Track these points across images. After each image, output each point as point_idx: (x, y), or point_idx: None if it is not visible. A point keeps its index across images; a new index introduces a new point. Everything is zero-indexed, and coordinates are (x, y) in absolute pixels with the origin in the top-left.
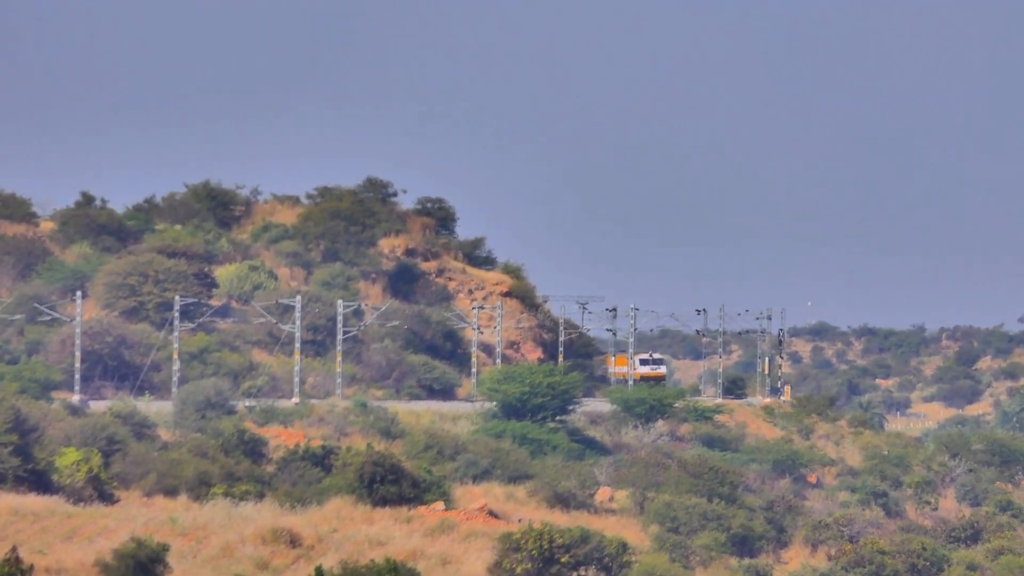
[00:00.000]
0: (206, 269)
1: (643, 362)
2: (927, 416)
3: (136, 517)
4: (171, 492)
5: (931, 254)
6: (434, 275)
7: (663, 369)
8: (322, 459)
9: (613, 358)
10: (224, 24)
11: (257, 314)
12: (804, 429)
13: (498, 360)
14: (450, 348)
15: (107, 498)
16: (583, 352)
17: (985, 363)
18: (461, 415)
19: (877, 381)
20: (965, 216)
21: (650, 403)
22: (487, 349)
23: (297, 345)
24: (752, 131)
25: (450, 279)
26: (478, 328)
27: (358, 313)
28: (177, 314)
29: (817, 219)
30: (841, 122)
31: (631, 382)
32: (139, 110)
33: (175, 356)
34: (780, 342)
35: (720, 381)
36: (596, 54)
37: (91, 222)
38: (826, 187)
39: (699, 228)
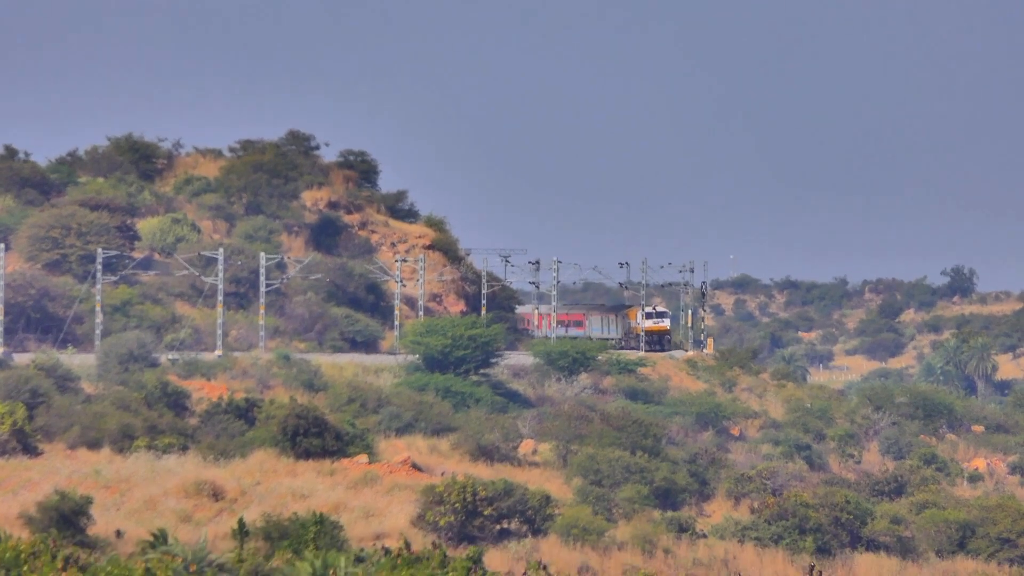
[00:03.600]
0: (129, 222)
1: (647, 315)
2: (850, 369)
3: (60, 470)
4: (95, 445)
5: (854, 206)
6: (357, 228)
7: (667, 322)
8: (245, 412)
9: (535, 313)
10: None
11: (180, 267)
12: (727, 382)
13: (421, 313)
14: (373, 301)
15: (31, 451)
16: (506, 305)
17: (908, 316)
18: (384, 368)
19: (800, 334)
20: (888, 167)
21: (573, 356)
22: (410, 302)
23: (220, 298)
24: (675, 81)
25: (373, 232)
26: (401, 281)
27: (281, 266)
28: (100, 267)
29: (739, 171)
30: (758, 71)
31: (553, 335)
32: (63, 63)
33: (98, 309)
34: (703, 295)
35: (642, 334)
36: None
37: (14, 175)
38: (747, 138)
39: (622, 182)
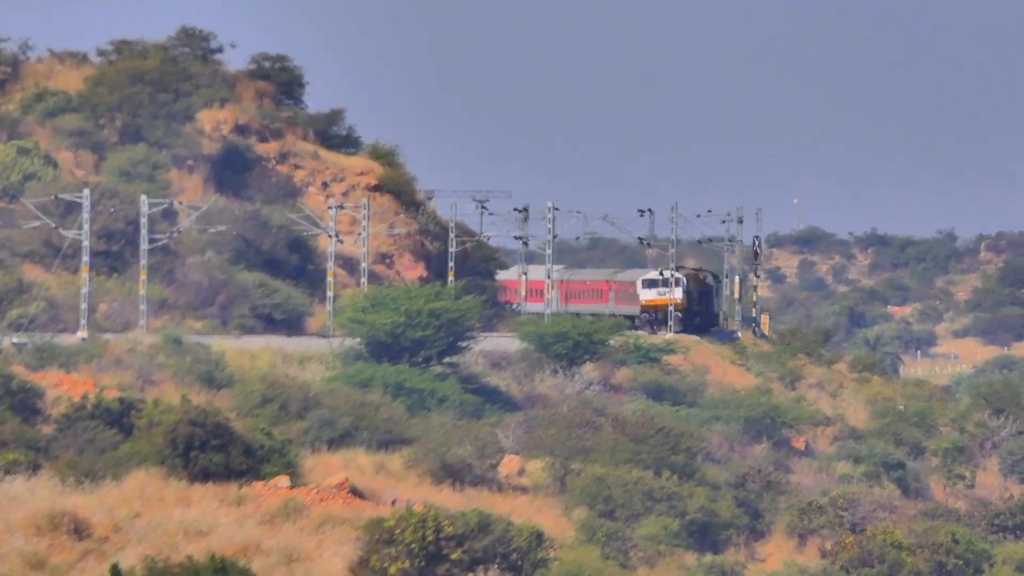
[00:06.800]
0: None
1: (648, 283)
2: (959, 357)
3: None
4: None
5: (965, 136)
6: (274, 161)
7: (679, 294)
8: (119, 417)
9: (522, 278)
10: None
11: (29, 215)
12: (788, 375)
13: (364, 280)
14: (297, 263)
15: None
16: (482, 268)
17: None
18: (312, 356)
19: (890, 309)
20: (1004, 89)
21: (574, 339)
22: (349, 264)
23: (85, 259)
24: None
25: (297, 167)
26: (336, 235)
27: (170, 214)
28: None
29: (804, 97)
30: None
31: (547, 310)
32: None
33: None
34: (756, 254)
35: (672, 308)
36: None
37: None
38: (815, 56)
39: (640, 101)
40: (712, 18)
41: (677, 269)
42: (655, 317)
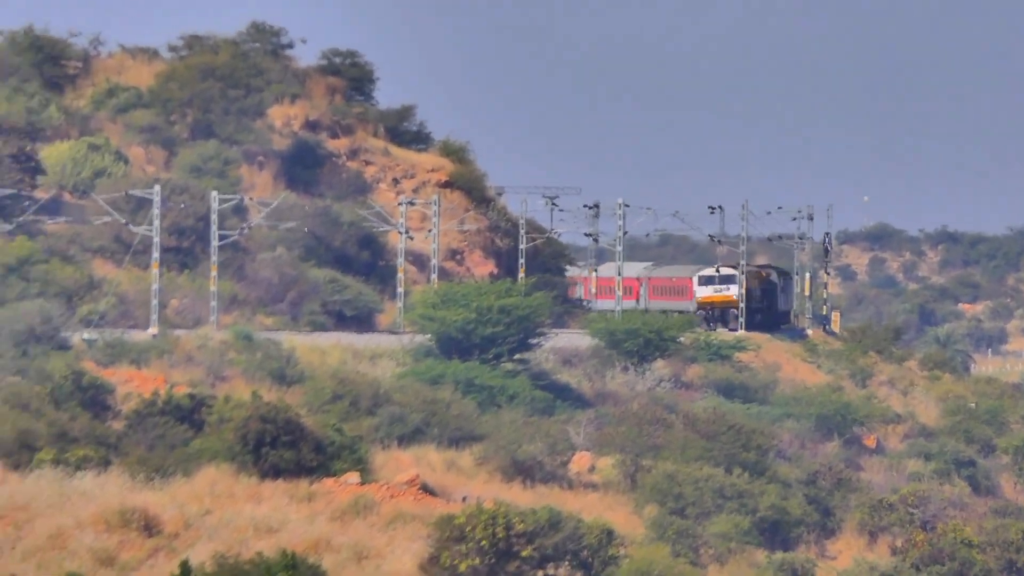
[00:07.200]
0: (28, 148)
1: (704, 280)
2: None
3: None
4: None
5: None
6: (345, 157)
7: (733, 291)
8: (190, 413)
9: (594, 275)
10: None
11: (100, 211)
12: (859, 373)
13: (434, 276)
14: (368, 259)
15: None
16: (553, 265)
17: None
18: (383, 352)
19: (961, 306)
20: None
21: (645, 336)
22: (419, 261)
23: (155, 255)
24: None
25: (367, 163)
26: (406, 231)
27: (240, 210)
28: None
29: (875, 92)
30: None
31: (618, 307)
32: None
33: None
34: (826, 251)
35: (743, 305)
36: None
37: None
38: (885, 50)
39: (711, 100)
40: (781, 12)
41: (735, 266)
42: (711, 315)
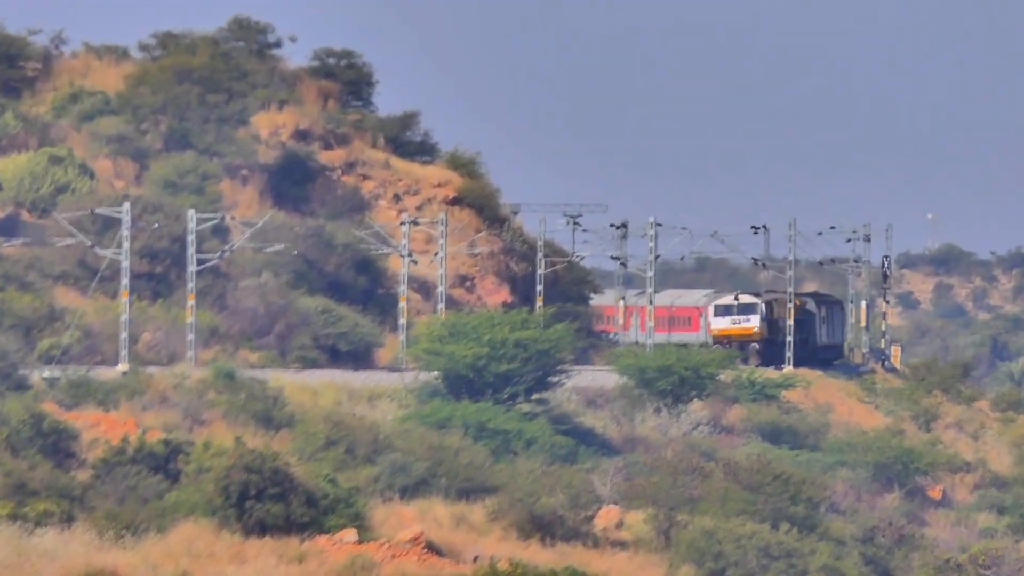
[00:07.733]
0: None
1: (721, 311)
2: None
3: None
4: None
5: None
6: (340, 171)
7: (754, 323)
8: (165, 462)
9: (622, 304)
10: None
11: (62, 232)
12: (923, 414)
13: (441, 306)
14: (366, 287)
15: None
16: (575, 292)
17: None
18: (383, 392)
19: None
20: None
21: (680, 374)
22: (424, 288)
23: (125, 281)
24: None
25: (365, 178)
26: (409, 255)
27: (220, 231)
28: None
29: (939, 102)
30: None
31: (649, 340)
32: None
33: None
34: (885, 276)
35: (791, 337)
36: None
37: None
38: (950, 59)
39: (754, 106)
40: (833, 16)
41: (757, 294)
42: (728, 347)
